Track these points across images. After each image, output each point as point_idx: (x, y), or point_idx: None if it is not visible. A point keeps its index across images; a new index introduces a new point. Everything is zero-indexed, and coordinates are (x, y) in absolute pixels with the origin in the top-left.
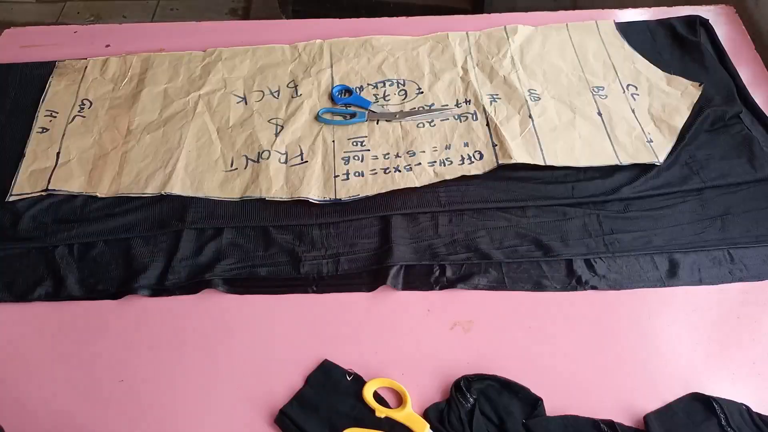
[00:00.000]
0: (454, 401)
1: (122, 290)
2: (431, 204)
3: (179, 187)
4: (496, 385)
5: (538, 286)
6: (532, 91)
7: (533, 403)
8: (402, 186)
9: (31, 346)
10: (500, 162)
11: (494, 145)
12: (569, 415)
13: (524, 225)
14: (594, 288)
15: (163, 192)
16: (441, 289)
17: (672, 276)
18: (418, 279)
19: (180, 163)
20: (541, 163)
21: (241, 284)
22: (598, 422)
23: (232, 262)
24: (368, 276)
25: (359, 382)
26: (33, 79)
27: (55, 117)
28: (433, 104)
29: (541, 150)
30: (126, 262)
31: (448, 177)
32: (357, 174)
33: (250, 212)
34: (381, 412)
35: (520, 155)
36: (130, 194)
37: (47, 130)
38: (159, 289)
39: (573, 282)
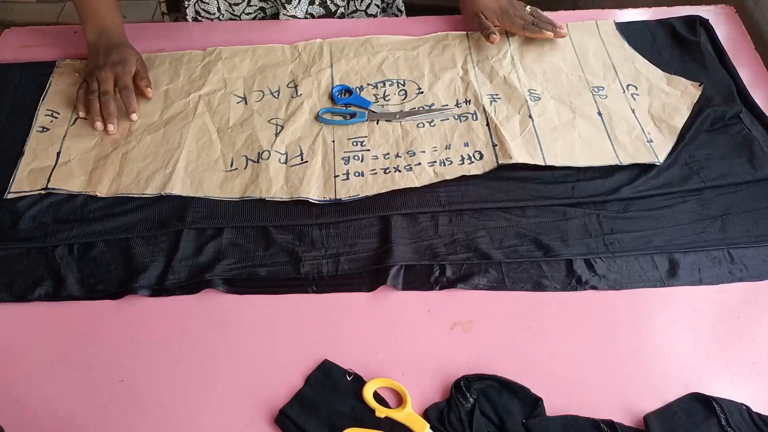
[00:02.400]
0: (454, 401)
1: (122, 290)
2: (431, 204)
3: (179, 187)
4: (496, 385)
5: (538, 286)
6: (532, 91)
7: (533, 403)
8: (402, 186)
9: (31, 346)
10: (500, 162)
11: (494, 145)
12: (569, 415)
13: (524, 225)
14: (594, 288)
15: (163, 192)
16: (441, 289)
17: (672, 276)
18: (418, 279)
19: (180, 164)
20: (541, 163)
21: (241, 284)
22: (598, 422)
23: (232, 262)
24: (368, 276)
25: (359, 382)
26: (33, 79)
27: (57, 117)
28: (433, 104)
29: (541, 150)
30: (126, 262)
31: (448, 177)
32: (357, 174)
33: (250, 212)
34: (381, 412)
35: (520, 155)
36: (130, 194)
37: (47, 129)
38: (159, 289)
39: (573, 282)
